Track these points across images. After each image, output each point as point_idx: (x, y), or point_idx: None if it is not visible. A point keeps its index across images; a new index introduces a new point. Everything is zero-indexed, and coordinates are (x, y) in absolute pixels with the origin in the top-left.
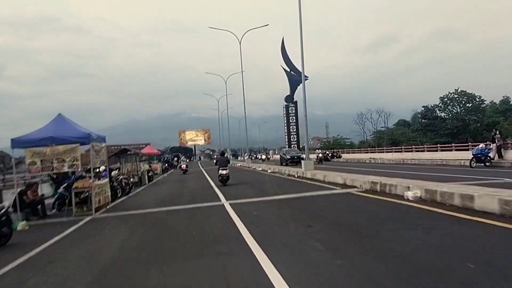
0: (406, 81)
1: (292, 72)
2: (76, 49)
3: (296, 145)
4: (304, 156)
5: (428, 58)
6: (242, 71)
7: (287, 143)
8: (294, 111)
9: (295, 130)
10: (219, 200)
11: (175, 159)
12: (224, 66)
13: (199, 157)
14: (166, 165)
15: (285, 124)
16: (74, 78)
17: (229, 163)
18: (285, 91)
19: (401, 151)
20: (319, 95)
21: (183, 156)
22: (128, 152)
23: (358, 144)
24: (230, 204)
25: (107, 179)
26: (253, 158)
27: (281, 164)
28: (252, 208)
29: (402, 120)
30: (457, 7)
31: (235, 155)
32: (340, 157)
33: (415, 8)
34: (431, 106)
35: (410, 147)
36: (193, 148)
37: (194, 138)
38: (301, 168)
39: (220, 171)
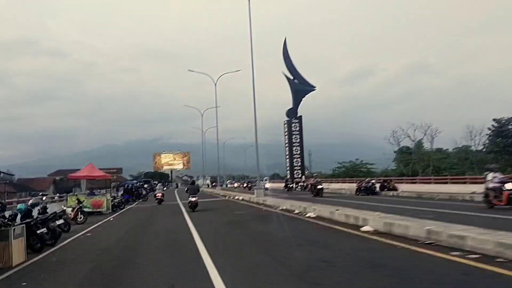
0: (383, 113)
1: (296, 80)
2: (54, 72)
3: (300, 171)
4: None
5: (403, 91)
6: (252, 61)
7: (288, 168)
8: (298, 128)
9: (298, 152)
10: None
11: (145, 186)
12: (204, 93)
13: (176, 184)
14: (126, 196)
15: (286, 145)
16: (51, 101)
17: (198, 191)
18: (264, 119)
19: None
20: None
21: (160, 184)
22: None
23: (384, 170)
24: None
25: None
26: (251, 186)
27: None
28: None
29: (406, 147)
30: (432, 43)
31: (214, 182)
32: (395, 189)
33: (391, 42)
34: (505, 120)
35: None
36: (169, 173)
37: (171, 162)
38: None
39: (190, 198)
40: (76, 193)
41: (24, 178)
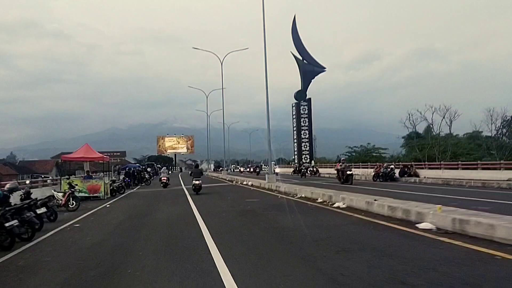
0: (388, 99)
1: (305, 60)
2: (58, 54)
3: (308, 156)
4: None
5: (409, 76)
6: (264, 33)
7: (296, 153)
8: (307, 111)
9: (307, 136)
10: None
11: (148, 170)
12: (208, 78)
13: (180, 168)
14: (127, 179)
15: (294, 128)
16: (55, 84)
17: (202, 174)
18: (263, 105)
19: None
20: None
21: (165, 167)
22: None
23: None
24: None
25: None
26: (259, 171)
27: None
28: None
29: (414, 132)
30: (437, 28)
31: (220, 166)
32: (416, 175)
33: (397, 27)
34: None
35: None
36: (173, 157)
37: (175, 146)
38: None
39: (194, 181)
40: (68, 176)
41: (26, 161)
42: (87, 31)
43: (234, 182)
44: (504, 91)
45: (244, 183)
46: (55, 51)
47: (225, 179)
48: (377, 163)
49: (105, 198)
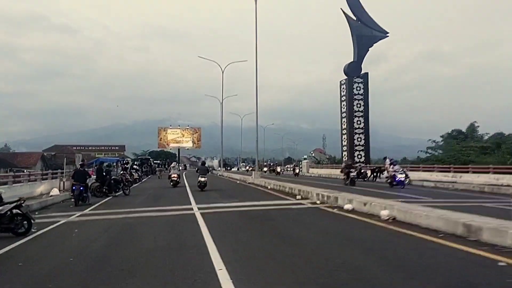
0: (393, 101)
1: (360, 22)
2: (64, 49)
3: (363, 153)
4: None
5: (415, 79)
6: None
7: (346, 148)
8: (362, 91)
9: (362, 125)
10: None
11: (134, 167)
12: (214, 74)
13: (184, 165)
14: (76, 187)
15: (345, 113)
16: (61, 78)
17: (208, 172)
18: (272, 102)
19: None
20: (306, 109)
21: (174, 162)
22: None
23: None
24: None
25: None
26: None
27: None
28: None
29: (457, 130)
30: (445, 31)
31: (228, 165)
32: None
33: (404, 29)
34: None
35: None
36: (176, 153)
37: (179, 139)
38: None
39: (199, 178)
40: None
41: (7, 153)
42: (94, 26)
43: (300, 196)
44: None
45: (356, 208)
46: (62, 45)
47: (267, 187)
48: None
49: None
